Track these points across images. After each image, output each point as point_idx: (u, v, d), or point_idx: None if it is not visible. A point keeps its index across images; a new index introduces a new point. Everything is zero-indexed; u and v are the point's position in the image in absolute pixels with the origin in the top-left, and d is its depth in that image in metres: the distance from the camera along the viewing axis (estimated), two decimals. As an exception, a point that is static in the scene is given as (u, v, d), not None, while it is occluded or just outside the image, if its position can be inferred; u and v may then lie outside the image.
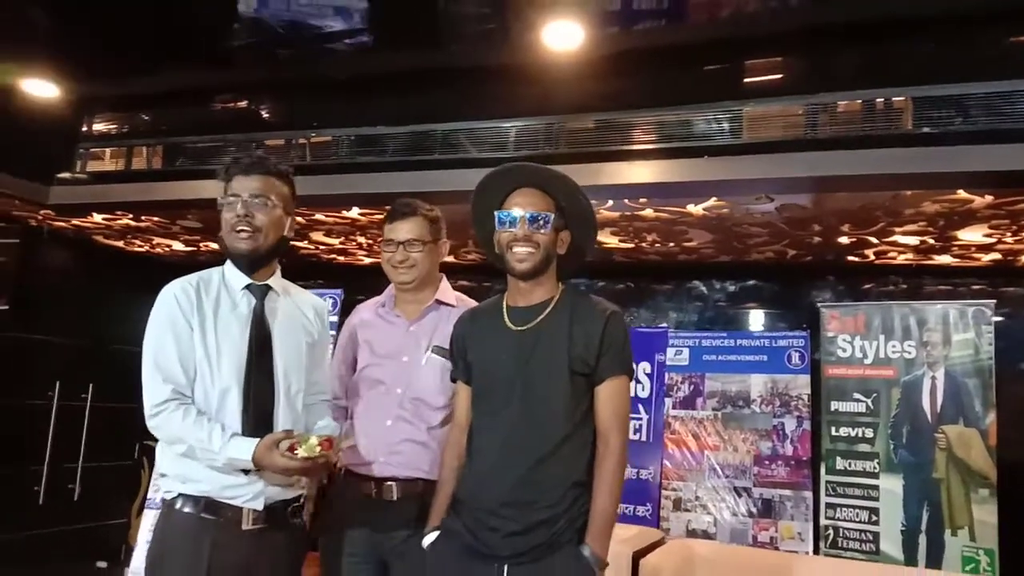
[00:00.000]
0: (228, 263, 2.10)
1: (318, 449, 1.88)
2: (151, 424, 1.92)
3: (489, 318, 2.05)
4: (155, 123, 4.90)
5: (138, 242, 6.13)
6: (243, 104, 4.69)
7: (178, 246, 6.16)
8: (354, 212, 4.66)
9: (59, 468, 5.91)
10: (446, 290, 2.41)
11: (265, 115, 4.70)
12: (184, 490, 1.92)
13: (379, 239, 5.46)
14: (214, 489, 1.91)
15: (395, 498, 2.19)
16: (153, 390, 1.92)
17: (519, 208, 1.96)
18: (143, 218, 5.25)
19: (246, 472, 1.92)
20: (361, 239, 5.36)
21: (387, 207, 4.45)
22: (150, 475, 6.44)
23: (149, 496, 4.63)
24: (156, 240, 6.02)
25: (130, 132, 4.97)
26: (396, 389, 2.26)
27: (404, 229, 2.30)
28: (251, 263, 2.06)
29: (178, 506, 1.92)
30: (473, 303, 2.37)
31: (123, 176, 4.92)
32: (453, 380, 2.15)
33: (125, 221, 5.35)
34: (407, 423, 2.25)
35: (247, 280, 2.08)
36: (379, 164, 4.35)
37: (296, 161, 4.60)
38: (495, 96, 4.04)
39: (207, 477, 1.91)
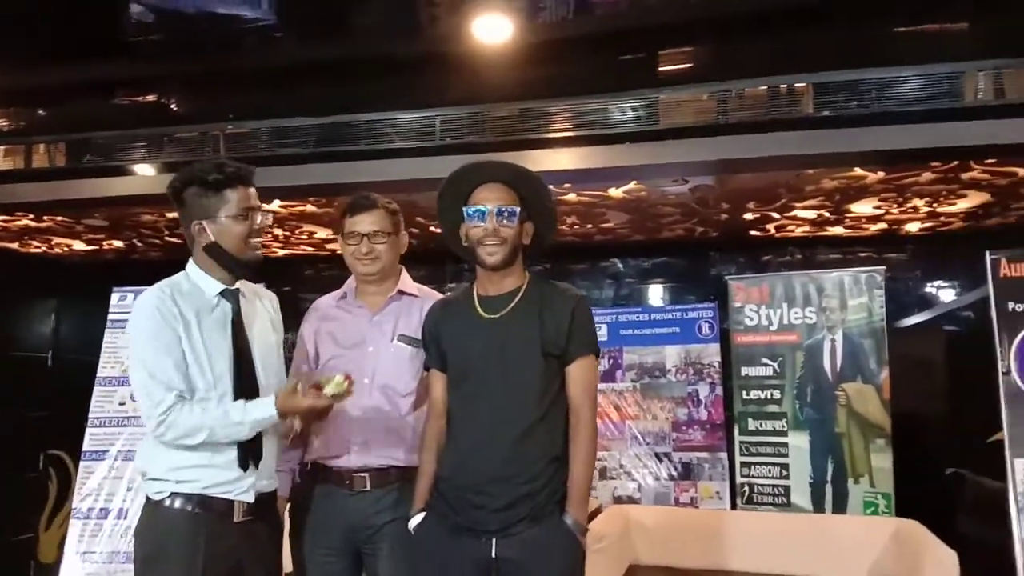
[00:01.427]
0: (194, 269, 2.12)
1: (345, 384, 1.98)
2: (160, 430, 1.94)
3: (461, 307, 2.15)
4: (57, 118, 4.68)
5: (35, 243, 5.84)
6: (153, 97, 4.54)
7: (79, 246, 5.91)
8: (275, 204, 4.62)
9: (-41, 482, 5.63)
10: (407, 280, 2.46)
11: (177, 107, 4.56)
12: (178, 489, 1.97)
13: (297, 231, 5.48)
14: (209, 486, 1.97)
15: (368, 488, 2.24)
16: (157, 399, 1.94)
17: (487, 203, 2.06)
18: (45, 218, 5.02)
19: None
20: (278, 231, 5.30)
21: (309, 199, 4.54)
22: (59, 486, 6.21)
23: (75, 506, 4.47)
24: (56, 240, 5.75)
25: (29, 128, 4.72)
26: (363, 379, 2.28)
27: (367, 221, 2.34)
28: (243, 274, 2.17)
29: (169, 504, 1.97)
30: (434, 293, 2.45)
31: (24, 175, 4.68)
32: (427, 368, 2.23)
33: (24, 222, 5.10)
34: (376, 412, 2.28)
35: (221, 287, 2.11)
36: (300, 156, 4.31)
37: (209, 154, 4.53)
38: (419, 86, 4.07)
39: (202, 475, 1.98)
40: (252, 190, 2.12)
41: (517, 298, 2.09)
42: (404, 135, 4.12)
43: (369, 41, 3.87)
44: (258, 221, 2.10)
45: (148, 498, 2.02)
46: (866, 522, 4.19)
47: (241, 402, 2.00)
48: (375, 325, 2.38)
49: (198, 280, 2.11)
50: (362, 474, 2.25)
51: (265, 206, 2.19)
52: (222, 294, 2.11)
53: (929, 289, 5.37)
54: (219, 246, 2.07)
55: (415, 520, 2.08)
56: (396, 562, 2.19)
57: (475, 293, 2.15)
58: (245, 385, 2.07)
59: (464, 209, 2.09)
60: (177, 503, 1.97)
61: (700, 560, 3.94)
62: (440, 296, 2.43)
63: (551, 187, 4.03)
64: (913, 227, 5.04)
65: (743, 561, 3.91)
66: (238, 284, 2.17)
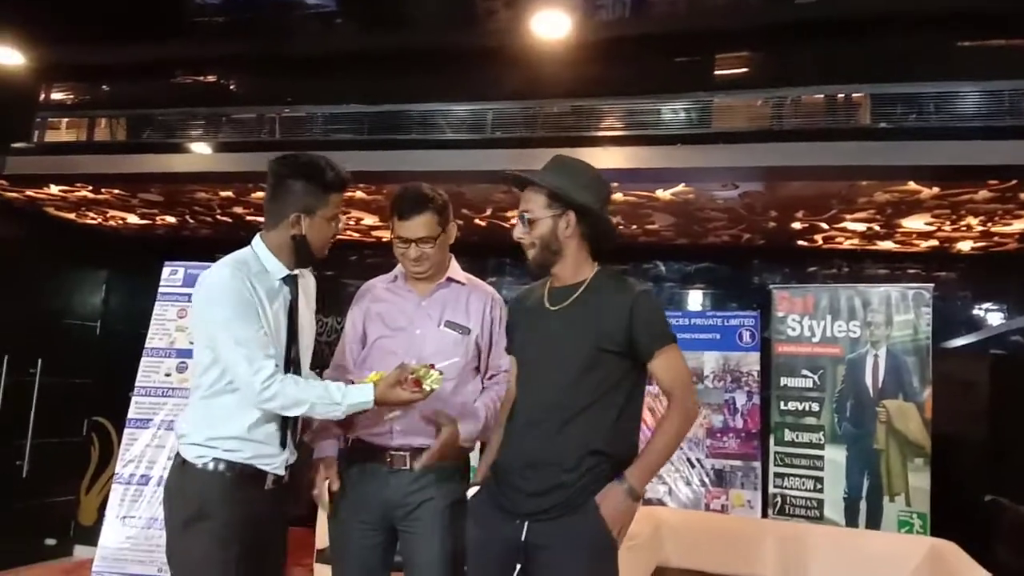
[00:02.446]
0: (262, 249, 2.20)
1: (442, 380, 2.13)
2: (266, 395, 2.03)
3: (535, 296, 2.23)
4: (120, 94, 4.81)
5: (91, 214, 6.01)
6: (213, 78, 4.65)
7: (133, 219, 6.06)
8: (325, 189, 4.69)
9: (7, 445, 5.79)
10: (456, 268, 2.50)
11: (236, 89, 4.66)
12: (225, 456, 2.08)
13: (345, 217, 5.56)
14: (249, 457, 2.10)
15: (407, 467, 2.29)
16: (256, 365, 2.03)
17: (520, 211, 2.16)
18: (103, 191, 5.16)
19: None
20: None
21: (360, 185, 4.60)
22: (101, 452, 6.39)
23: (117, 471, 4.61)
24: (111, 213, 5.91)
25: (93, 102, 4.86)
26: (410, 360, 2.31)
27: (415, 227, 2.34)
28: (307, 264, 2.28)
29: (212, 468, 2.08)
30: (482, 283, 2.48)
31: (85, 147, 4.83)
32: (508, 352, 2.33)
33: (83, 193, 5.25)
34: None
35: (285, 271, 2.20)
36: (353, 142, 4.38)
37: (266, 137, 4.62)
38: (473, 79, 4.12)
39: (245, 447, 2.10)
40: (340, 197, 2.23)
41: (579, 291, 2.13)
42: (455, 127, 4.16)
43: (425, 32, 3.92)
44: (339, 226, 2.24)
45: (184, 460, 2.12)
46: (900, 539, 4.14)
47: (341, 383, 2.13)
48: (423, 310, 2.43)
49: (265, 261, 2.19)
50: (402, 453, 2.30)
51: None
52: (284, 279, 2.21)
53: (978, 310, 5.26)
54: (306, 240, 2.17)
55: (471, 492, 2.18)
56: (431, 540, 2.24)
57: (548, 284, 2.22)
58: (292, 364, 2.20)
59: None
60: (217, 468, 2.08)
61: (728, 566, 3.92)
62: (486, 286, 2.49)
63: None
64: (965, 246, 4.95)
65: (771, 569, 3.88)
66: (297, 271, 2.27)
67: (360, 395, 2.09)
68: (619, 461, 2.03)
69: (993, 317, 5.28)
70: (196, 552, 2.04)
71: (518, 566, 2.00)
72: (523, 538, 1.99)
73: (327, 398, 2.07)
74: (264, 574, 2.17)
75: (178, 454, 2.15)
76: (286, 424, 2.16)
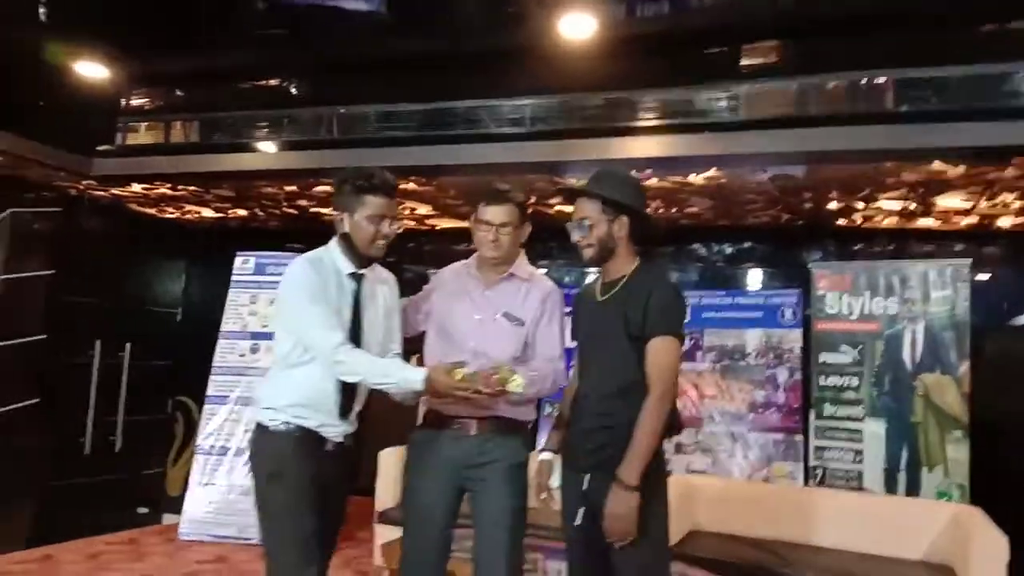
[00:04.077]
0: (335, 247, 2.53)
1: (523, 386, 2.40)
2: (337, 357, 2.37)
3: (591, 289, 2.58)
4: (192, 100, 5.23)
5: (170, 209, 6.49)
6: (275, 82, 5.01)
7: (208, 213, 6.52)
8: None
9: (101, 422, 6.33)
10: (521, 264, 2.73)
11: (296, 92, 5.02)
12: (290, 420, 2.44)
13: (400, 207, 5.88)
14: (315, 425, 2.45)
15: (473, 433, 2.57)
16: (330, 336, 2.38)
17: (576, 216, 2.49)
18: (180, 188, 5.61)
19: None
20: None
21: (411, 177, 4.91)
22: (185, 428, 6.90)
23: (199, 443, 5.06)
24: (187, 207, 6.38)
25: (168, 108, 5.30)
26: (468, 342, 2.61)
27: (500, 213, 2.61)
28: (369, 263, 2.57)
29: (284, 430, 2.44)
30: (546, 279, 2.74)
31: (163, 149, 5.27)
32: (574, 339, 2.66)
33: (162, 190, 5.72)
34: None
35: (353, 269, 2.52)
36: (404, 138, 4.70)
37: (325, 135, 4.98)
38: (512, 75, 4.37)
39: (312, 415, 2.45)
40: (388, 201, 2.50)
41: (620, 284, 2.45)
42: (498, 121, 4.43)
43: (469, 35, 4.18)
44: (385, 228, 2.48)
45: (260, 424, 2.49)
46: (927, 505, 4.27)
47: (400, 360, 2.50)
48: (485, 298, 2.68)
49: (335, 258, 2.53)
50: (469, 420, 2.58)
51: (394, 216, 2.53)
52: (351, 275, 2.53)
53: (1020, 286, 5.27)
54: (350, 237, 2.49)
55: (545, 455, 2.56)
56: (498, 496, 2.54)
57: (601, 278, 2.55)
58: None
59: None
60: (288, 430, 2.44)
61: (759, 530, 4.13)
62: (546, 281, 2.74)
63: (633, 172, 4.35)
64: (1005, 222, 4.99)
65: (802, 534, 4.07)
66: (366, 270, 2.57)
67: (411, 375, 2.39)
68: None
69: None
70: (279, 500, 2.41)
71: (582, 509, 2.37)
72: (584, 487, 2.37)
73: (385, 372, 2.40)
74: (326, 526, 2.50)
75: (257, 421, 2.52)
76: (346, 397, 2.48)
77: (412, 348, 2.73)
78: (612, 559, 2.32)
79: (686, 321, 2.50)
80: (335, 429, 2.48)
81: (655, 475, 2.33)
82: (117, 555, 4.79)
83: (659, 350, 2.33)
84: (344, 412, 2.49)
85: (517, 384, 2.37)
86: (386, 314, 2.62)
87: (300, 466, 2.41)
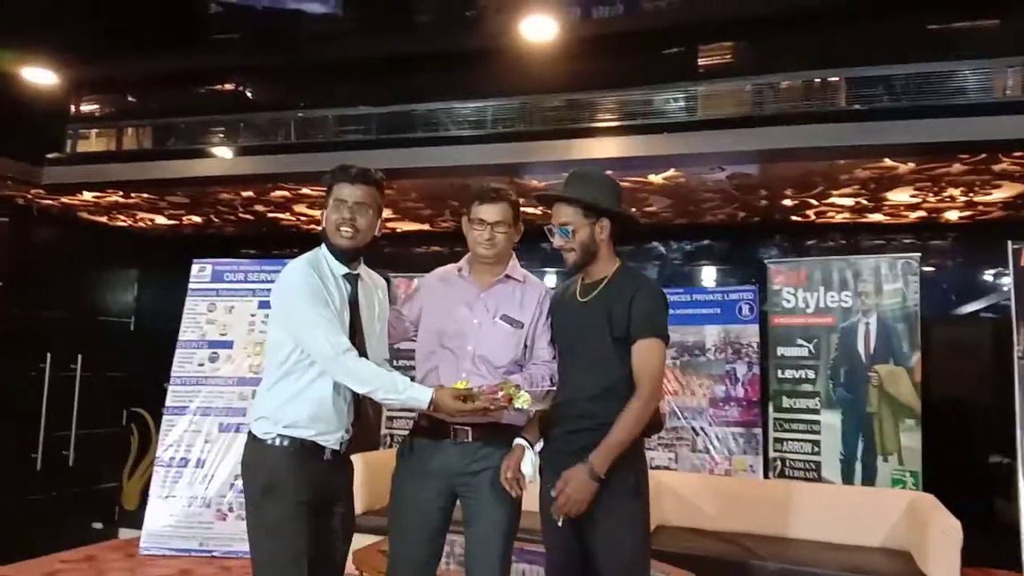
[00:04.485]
0: (326, 251, 2.48)
1: (531, 402, 2.37)
2: (340, 360, 2.31)
3: (571, 291, 2.58)
4: (145, 105, 5.13)
5: (122, 217, 6.36)
6: (231, 86, 4.95)
7: (161, 220, 6.40)
8: (339, 186, 4.99)
9: (53, 436, 6.18)
10: (515, 266, 2.71)
11: (252, 96, 4.96)
12: (289, 433, 2.38)
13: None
14: (312, 435, 2.39)
15: (469, 439, 2.54)
16: (334, 339, 2.32)
17: (554, 225, 2.50)
18: (132, 195, 5.49)
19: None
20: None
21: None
22: (140, 440, 6.76)
23: (158, 455, 4.97)
24: (140, 215, 6.25)
25: (120, 113, 5.19)
26: (467, 347, 2.58)
27: (494, 212, 2.58)
28: (349, 257, 2.47)
29: (278, 443, 2.38)
30: (537, 280, 2.74)
31: (115, 156, 5.16)
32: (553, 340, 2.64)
33: (114, 198, 5.59)
34: (478, 377, 2.56)
35: (345, 270, 2.48)
36: (363, 142, 4.67)
37: (282, 139, 4.93)
38: (472, 78, 4.38)
39: (311, 425, 2.39)
40: (351, 188, 2.41)
41: (601, 286, 2.46)
42: (459, 124, 4.43)
43: (427, 36, 4.19)
44: (347, 214, 2.40)
45: (254, 436, 2.43)
46: (884, 494, 4.40)
47: (407, 378, 2.40)
48: (480, 301, 2.64)
49: (328, 260, 2.48)
50: (465, 427, 2.55)
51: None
52: (345, 276, 2.48)
53: (967, 277, 5.45)
54: (325, 230, 2.45)
55: (538, 446, 2.52)
56: (490, 504, 2.51)
57: (581, 279, 2.55)
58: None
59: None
60: (283, 443, 2.38)
61: (724, 523, 4.21)
62: (539, 282, 2.73)
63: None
64: (952, 215, 5.16)
65: (766, 526, 4.16)
66: (360, 270, 2.53)
67: (418, 394, 2.33)
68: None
69: (983, 283, 5.47)
70: (272, 515, 2.35)
71: None
72: None
73: (392, 387, 2.32)
74: (332, 533, 2.47)
75: (250, 431, 2.46)
76: (342, 406, 2.44)
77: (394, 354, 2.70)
78: (595, 561, 2.34)
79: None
80: (331, 438, 2.43)
81: (641, 476, 2.36)
82: (75, 573, 4.66)
83: (646, 352, 2.36)
84: (342, 420, 2.45)
85: (524, 400, 2.35)
86: (380, 319, 2.58)
87: (295, 478, 2.35)
